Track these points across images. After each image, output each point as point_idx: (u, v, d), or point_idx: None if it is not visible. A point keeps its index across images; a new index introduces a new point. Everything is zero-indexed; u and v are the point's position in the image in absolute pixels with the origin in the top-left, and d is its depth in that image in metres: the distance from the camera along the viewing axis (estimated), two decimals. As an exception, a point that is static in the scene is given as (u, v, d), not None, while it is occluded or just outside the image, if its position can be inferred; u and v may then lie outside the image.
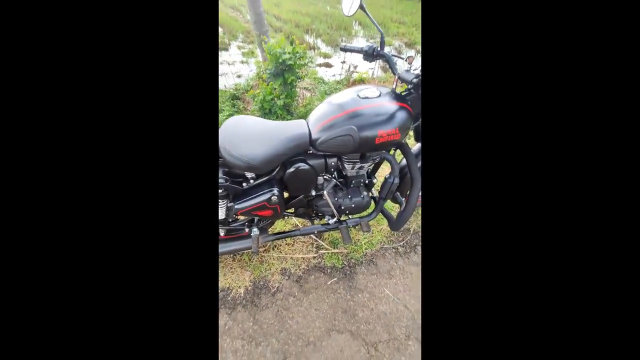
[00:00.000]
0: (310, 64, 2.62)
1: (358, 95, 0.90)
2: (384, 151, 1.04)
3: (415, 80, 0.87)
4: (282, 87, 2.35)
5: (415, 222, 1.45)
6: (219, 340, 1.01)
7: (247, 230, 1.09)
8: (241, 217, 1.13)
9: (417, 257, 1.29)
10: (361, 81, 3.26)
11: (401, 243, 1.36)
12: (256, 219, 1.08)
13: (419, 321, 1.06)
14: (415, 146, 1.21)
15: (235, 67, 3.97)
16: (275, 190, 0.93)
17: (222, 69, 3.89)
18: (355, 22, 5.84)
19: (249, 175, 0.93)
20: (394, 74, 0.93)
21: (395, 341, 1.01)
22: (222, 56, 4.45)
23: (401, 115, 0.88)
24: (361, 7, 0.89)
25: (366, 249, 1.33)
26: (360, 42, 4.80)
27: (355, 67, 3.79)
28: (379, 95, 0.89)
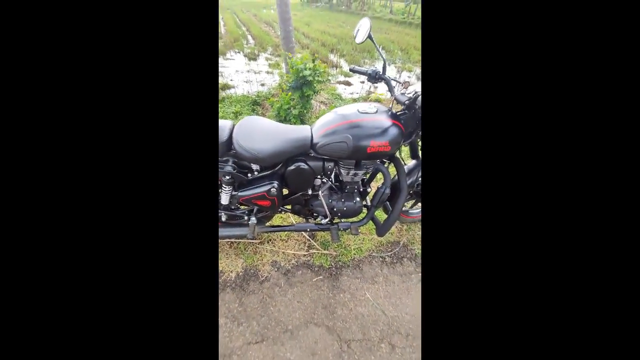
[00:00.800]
0: (327, 82, 2.81)
1: (358, 110, 1.02)
2: (378, 162, 1.14)
3: (407, 102, 0.98)
4: (299, 99, 2.53)
5: (405, 236, 1.51)
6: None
7: (246, 218, 1.20)
8: (242, 207, 1.24)
9: (402, 269, 1.34)
10: (377, 101, 3.42)
11: (389, 253, 1.42)
12: (255, 209, 1.19)
13: (394, 327, 1.10)
14: (410, 162, 1.30)
15: (261, 76, 4.27)
16: (275, 184, 1.05)
17: (248, 76, 4.20)
18: (380, 47, 6.14)
19: (254, 167, 1.05)
20: (392, 95, 1.05)
21: (368, 342, 1.06)
22: (250, 65, 4.80)
23: (393, 131, 0.99)
24: (369, 37, 1.03)
25: (355, 254, 1.40)
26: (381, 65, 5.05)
27: (376, 87, 3.97)
28: (376, 112, 1.01)
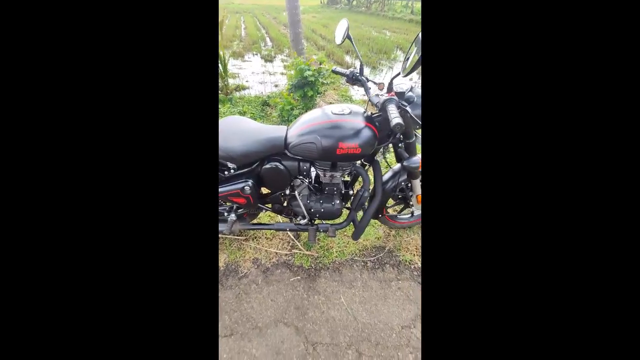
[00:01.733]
0: (332, 83, 2.81)
1: (331, 111, 1.01)
2: (357, 165, 1.12)
3: (378, 104, 0.95)
4: (302, 99, 2.55)
5: (392, 242, 1.46)
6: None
7: (226, 215, 1.24)
8: (228, 204, 1.28)
9: (382, 275, 1.30)
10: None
11: (372, 258, 1.38)
12: (235, 206, 1.22)
13: (365, 334, 1.07)
14: (395, 166, 1.26)
15: (275, 78, 4.37)
16: (250, 182, 1.07)
17: (263, 78, 4.31)
18: (397, 47, 5.99)
19: (230, 165, 1.09)
20: (367, 96, 1.02)
21: (335, 347, 1.04)
22: (266, 67, 4.93)
23: (364, 134, 0.96)
24: (348, 37, 1.02)
25: (336, 257, 1.38)
26: (398, 66, 4.93)
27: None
28: (349, 113, 0.99)
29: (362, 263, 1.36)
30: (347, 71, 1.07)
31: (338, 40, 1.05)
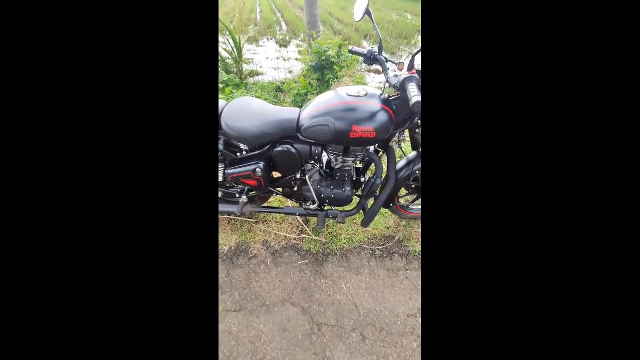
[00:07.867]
0: (348, 67, 2.72)
1: (346, 93, 0.98)
2: (370, 151, 1.09)
3: (397, 85, 0.91)
4: (318, 83, 2.50)
5: (402, 232, 1.44)
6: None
7: (238, 196, 1.26)
8: (239, 186, 1.30)
9: (391, 264, 1.30)
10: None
11: (380, 247, 1.37)
12: (246, 188, 1.24)
13: (370, 319, 1.08)
14: (411, 153, 1.22)
15: (289, 64, 4.29)
16: (261, 165, 1.07)
17: (277, 64, 4.26)
18: (419, 32, 5.69)
19: (242, 147, 1.09)
20: (385, 77, 0.98)
21: (340, 329, 1.06)
22: (281, 52, 4.85)
23: (380, 117, 0.93)
24: (368, 13, 0.96)
25: (345, 244, 1.38)
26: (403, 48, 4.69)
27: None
28: (365, 95, 0.96)
29: (371, 251, 1.35)
30: (365, 50, 1.02)
31: (357, 17, 1.00)
